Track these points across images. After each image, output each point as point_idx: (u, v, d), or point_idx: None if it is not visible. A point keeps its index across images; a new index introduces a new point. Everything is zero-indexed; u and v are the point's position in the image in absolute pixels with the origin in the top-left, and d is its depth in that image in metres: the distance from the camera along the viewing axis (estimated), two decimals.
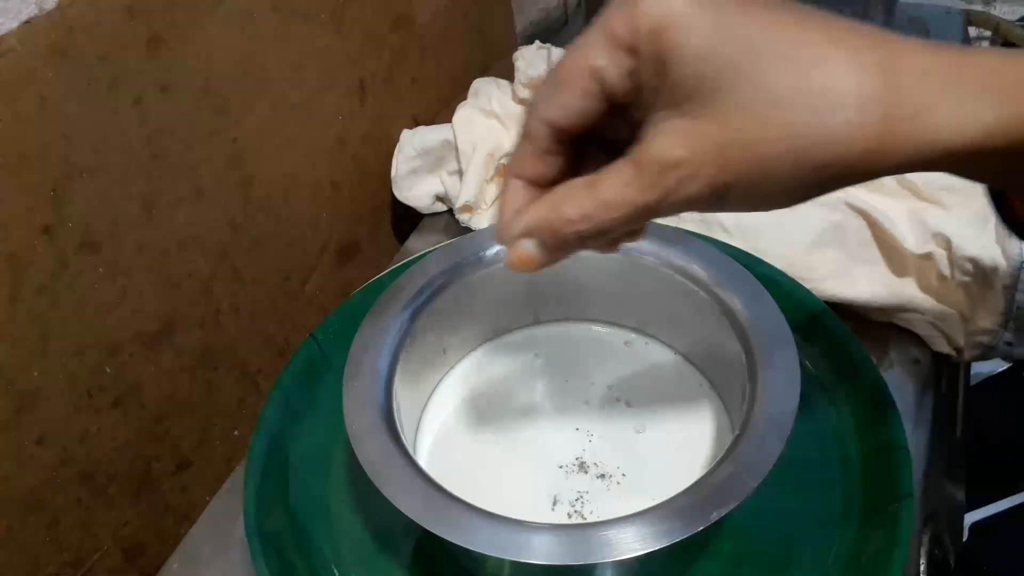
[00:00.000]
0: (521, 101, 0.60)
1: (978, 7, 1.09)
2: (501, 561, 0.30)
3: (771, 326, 0.37)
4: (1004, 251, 0.46)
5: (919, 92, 0.23)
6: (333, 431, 0.41)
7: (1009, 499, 0.77)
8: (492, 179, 0.57)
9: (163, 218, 0.42)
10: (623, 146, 0.26)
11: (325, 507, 0.39)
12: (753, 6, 0.24)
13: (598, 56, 0.25)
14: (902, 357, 0.47)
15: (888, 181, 0.49)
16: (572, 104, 0.26)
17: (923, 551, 0.40)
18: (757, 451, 0.31)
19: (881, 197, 0.49)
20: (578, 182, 0.26)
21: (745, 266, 0.40)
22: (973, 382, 0.78)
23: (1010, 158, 0.23)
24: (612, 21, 0.24)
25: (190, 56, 0.41)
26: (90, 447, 0.41)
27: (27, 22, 0.34)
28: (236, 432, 0.51)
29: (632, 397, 0.42)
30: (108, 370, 0.41)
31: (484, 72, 0.66)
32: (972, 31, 0.79)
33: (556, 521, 0.37)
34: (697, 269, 0.40)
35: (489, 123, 0.59)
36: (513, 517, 0.31)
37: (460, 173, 0.57)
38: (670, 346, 0.45)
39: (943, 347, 0.47)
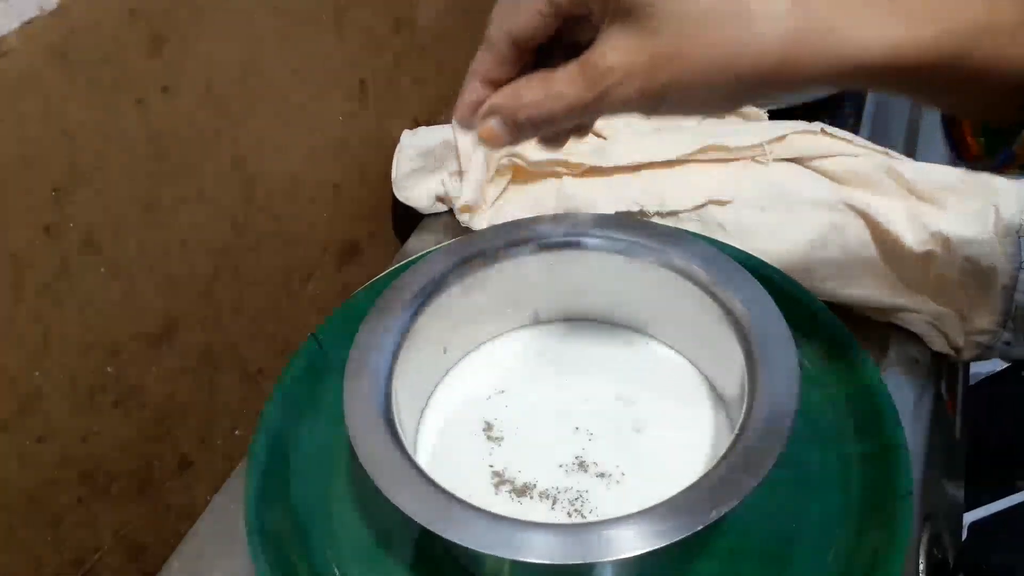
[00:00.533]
0: None
1: None
2: (501, 560, 0.30)
3: (771, 326, 0.37)
4: (1003, 251, 0.46)
5: (827, 13, 0.26)
6: (334, 431, 0.41)
7: (1008, 499, 0.77)
8: (492, 179, 0.57)
9: (165, 218, 0.42)
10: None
11: (326, 507, 0.39)
12: None
13: None
14: (901, 357, 0.47)
15: (888, 181, 0.50)
16: (528, 22, 0.30)
17: (922, 551, 0.40)
18: (757, 451, 0.31)
19: (881, 197, 0.49)
20: (536, 75, 0.30)
21: (745, 266, 0.40)
22: (972, 382, 0.78)
23: (921, 72, 0.27)
24: None
25: (192, 57, 0.41)
26: (91, 447, 0.41)
27: (28, 22, 0.34)
28: (237, 432, 0.51)
29: (632, 397, 0.42)
30: (109, 370, 0.41)
31: None
32: None
33: (556, 521, 0.37)
34: (697, 269, 0.40)
35: None
36: (513, 516, 0.31)
37: (460, 173, 0.57)
38: (670, 346, 0.45)
39: (942, 347, 0.47)
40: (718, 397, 0.42)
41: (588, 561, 0.29)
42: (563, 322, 0.47)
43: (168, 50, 0.40)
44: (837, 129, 0.53)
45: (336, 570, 0.37)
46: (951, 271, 0.46)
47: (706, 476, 0.31)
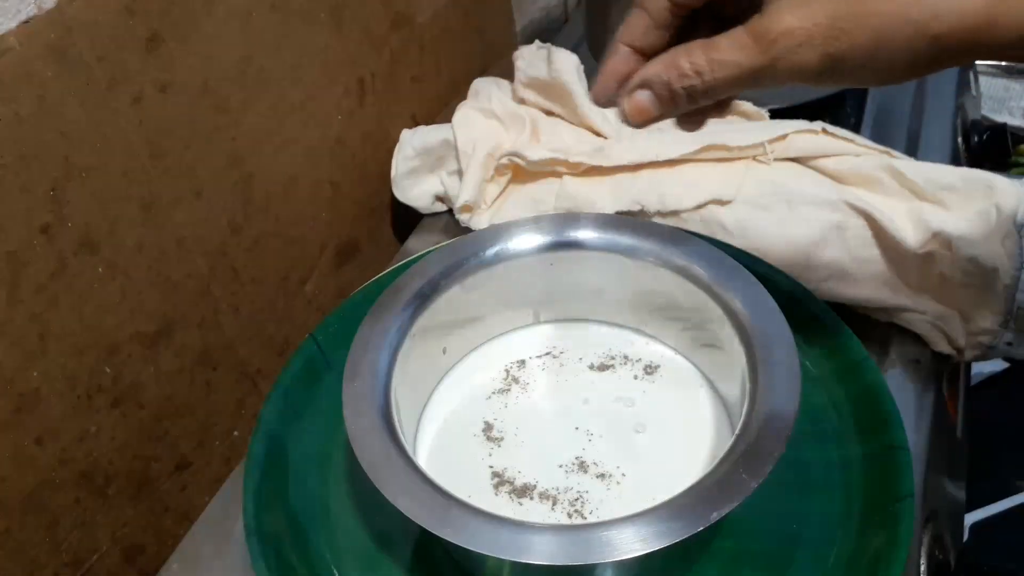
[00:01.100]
0: (521, 100, 0.60)
1: None
2: (501, 561, 0.30)
3: (771, 326, 0.37)
4: (1005, 251, 0.46)
5: None
6: (333, 431, 0.41)
7: (1009, 499, 0.77)
8: (492, 179, 0.56)
9: (162, 218, 0.42)
10: (736, 23, 0.27)
11: (325, 507, 0.39)
12: None
13: None
14: (903, 357, 0.47)
15: (889, 181, 0.49)
16: None
17: (923, 551, 0.40)
18: (757, 451, 0.31)
19: (882, 197, 0.49)
20: (695, 43, 0.28)
21: (745, 266, 0.40)
22: (973, 382, 0.78)
23: None
24: None
25: (189, 55, 0.41)
26: (89, 447, 0.41)
27: (26, 21, 0.34)
28: (235, 432, 0.51)
29: (632, 397, 0.42)
30: (107, 370, 0.41)
31: (484, 72, 0.66)
32: None
33: (556, 521, 0.37)
34: (697, 269, 0.40)
35: (489, 123, 0.58)
36: (513, 517, 0.31)
37: (460, 173, 0.57)
38: (670, 346, 0.45)
39: (944, 347, 0.47)
40: (719, 398, 0.42)
41: (588, 562, 0.29)
42: (563, 322, 0.47)
43: (165, 49, 0.40)
44: (839, 129, 0.52)
45: (335, 571, 0.37)
46: (953, 271, 0.46)
47: (707, 477, 0.31)
